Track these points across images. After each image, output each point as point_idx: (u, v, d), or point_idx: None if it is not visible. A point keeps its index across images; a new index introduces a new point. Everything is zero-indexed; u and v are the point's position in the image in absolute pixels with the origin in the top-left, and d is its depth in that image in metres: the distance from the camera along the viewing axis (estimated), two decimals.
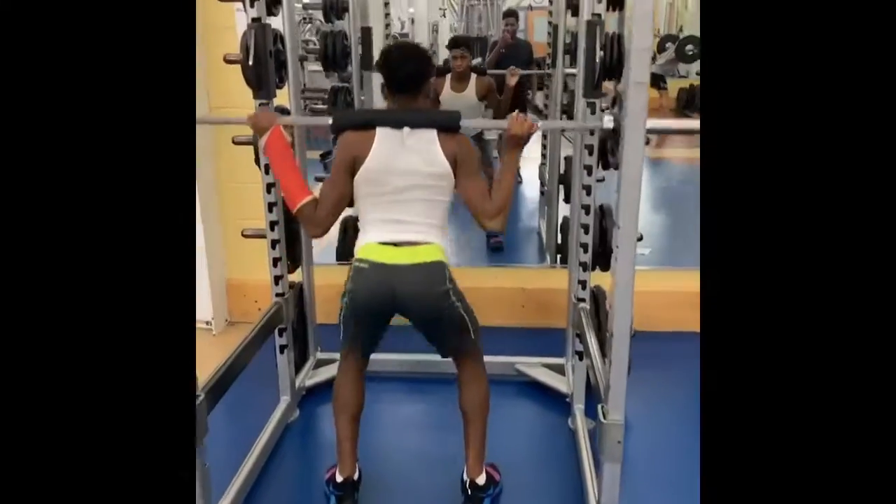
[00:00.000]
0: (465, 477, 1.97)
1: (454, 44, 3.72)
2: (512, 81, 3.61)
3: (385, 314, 1.82)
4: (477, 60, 5.77)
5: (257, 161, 2.23)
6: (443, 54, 6.89)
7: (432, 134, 1.76)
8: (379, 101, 3.94)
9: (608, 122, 1.75)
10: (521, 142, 1.77)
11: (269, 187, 2.23)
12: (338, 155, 1.79)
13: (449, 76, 3.68)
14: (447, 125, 1.78)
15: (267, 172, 2.22)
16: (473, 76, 3.67)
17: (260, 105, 2.10)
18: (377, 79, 3.65)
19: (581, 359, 2.31)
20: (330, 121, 1.83)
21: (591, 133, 2.10)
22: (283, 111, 2.21)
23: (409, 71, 1.78)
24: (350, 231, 2.42)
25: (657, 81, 6.75)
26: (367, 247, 1.77)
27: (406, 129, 1.74)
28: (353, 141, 1.77)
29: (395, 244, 1.76)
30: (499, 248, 3.73)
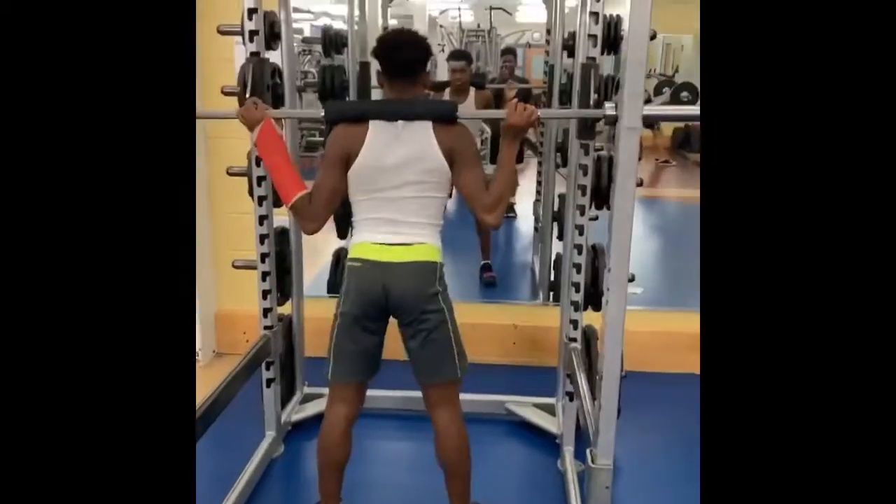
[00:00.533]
0: None
1: (455, 56, 3.71)
2: (511, 94, 3.62)
3: (380, 315, 1.76)
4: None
5: (251, 192, 2.23)
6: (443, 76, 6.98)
7: (428, 126, 1.70)
8: None
9: (609, 108, 1.63)
10: (520, 132, 1.70)
11: (262, 219, 2.23)
12: (329, 149, 1.74)
13: (448, 90, 3.67)
14: (443, 116, 1.72)
15: (260, 204, 2.22)
16: (472, 90, 3.67)
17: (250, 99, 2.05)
18: None
19: (571, 399, 2.29)
20: (322, 113, 1.77)
21: (584, 174, 2.11)
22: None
23: (405, 56, 1.73)
24: (343, 262, 2.41)
25: (651, 123, 6.83)
26: (361, 246, 1.74)
27: (400, 123, 1.69)
28: (345, 135, 1.73)
29: (389, 244, 1.73)
30: (492, 284, 3.72)
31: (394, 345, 1.84)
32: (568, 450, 2.34)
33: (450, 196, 1.83)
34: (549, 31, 3.63)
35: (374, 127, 1.71)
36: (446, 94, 3.69)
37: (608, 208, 2.05)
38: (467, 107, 3.67)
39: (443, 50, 7.28)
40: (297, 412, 2.59)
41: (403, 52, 1.73)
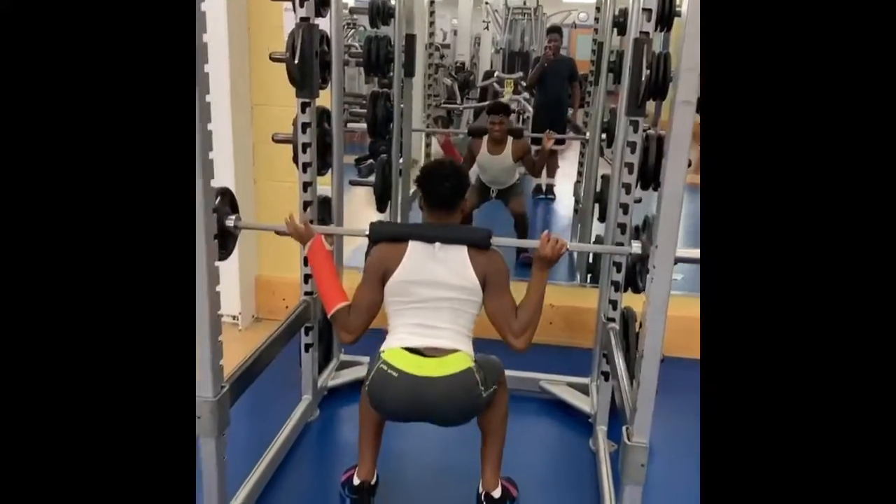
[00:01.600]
0: (480, 489, 1.95)
1: (494, 110, 3.81)
2: (548, 145, 3.68)
3: (412, 419, 1.81)
4: (518, 74, 5.78)
5: (295, 159, 2.25)
6: (484, 65, 6.93)
7: (463, 249, 1.80)
8: (418, 110, 3.96)
9: (637, 248, 1.85)
10: (550, 263, 1.81)
11: (306, 186, 2.25)
12: (370, 264, 1.84)
13: (486, 137, 3.75)
14: (478, 243, 1.82)
15: (304, 171, 2.24)
16: (510, 139, 3.73)
17: (302, 218, 2.08)
18: (417, 85, 3.69)
19: (607, 379, 2.27)
20: (367, 232, 1.89)
21: (632, 151, 2.07)
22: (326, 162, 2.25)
23: (446, 190, 1.83)
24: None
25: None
26: (394, 352, 1.78)
27: (438, 244, 1.79)
28: (386, 253, 1.82)
29: (423, 354, 1.76)
30: (529, 264, 3.70)
31: None
32: (601, 429, 2.33)
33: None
34: (598, 9, 3.57)
35: (413, 246, 1.80)
36: (484, 142, 3.74)
37: (654, 188, 2.02)
38: (505, 157, 3.73)
39: (487, 28, 7.21)
40: (334, 378, 2.62)
41: (445, 184, 1.83)
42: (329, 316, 1.85)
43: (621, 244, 2.16)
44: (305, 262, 2.31)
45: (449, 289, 1.79)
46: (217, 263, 1.65)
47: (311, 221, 2.28)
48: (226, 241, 1.80)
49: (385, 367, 1.75)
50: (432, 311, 1.79)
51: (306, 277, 2.34)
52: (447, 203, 1.84)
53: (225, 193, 1.80)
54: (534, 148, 3.94)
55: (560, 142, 4.41)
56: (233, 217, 1.82)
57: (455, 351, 1.77)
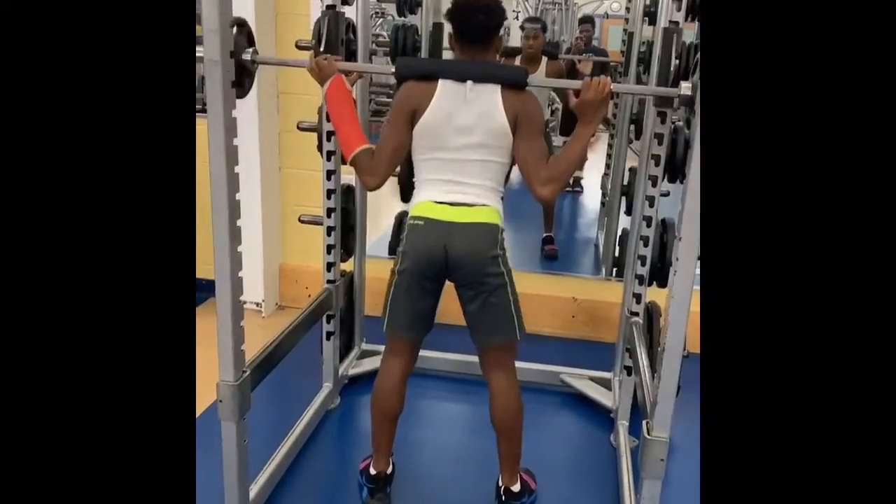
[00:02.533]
0: (499, 483, 1.94)
1: (530, 21, 3.59)
2: (586, 69, 3.48)
3: (438, 275, 1.75)
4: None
5: (320, 148, 2.25)
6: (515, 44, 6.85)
7: (496, 89, 1.68)
8: None
9: (686, 88, 1.61)
10: (597, 109, 1.64)
11: (329, 174, 2.25)
12: (396, 104, 1.74)
13: (519, 57, 3.56)
14: (513, 80, 1.69)
15: (328, 159, 2.24)
16: (545, 59, 3.55)
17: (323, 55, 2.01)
18: None
19: (629, 374, 2.25)
20: (393, 69, 1.76)
21: (659, 143, 2.04)
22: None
23: (480, 21, 1.70)
24: (405, 224, 2.42)
25: None
26: (423, 204, 1.73)
27: (469, 83, 1.67)
28: (414, 92, 1.72)
29: (451, 204, 1.71)
30: (553, 257, 3.68)
31: (452, 308, 1.83)
32: (622, 424, 2.31)
33: (513, 164, 1.79)
34: None
35: (444, 85, 1.69)
36: (517, 62, 3.61)
37: (681, 181, 1.98)
38: (538, 76, 3.58)
39: (517, 17, 7.15)
40: (354, 367, 2.63)
41: (478, 16, 1.70)
42: (349, 160, 1.74)
43: (646, 238, 2.13)
44: (329, 250, 2.32)
45: (479, 134, 1.69)
46: (239, 249, 1.65)
47: (332, 210, 2.28)
48: (242, 79, 1.65)
49: (413, 221, 1.72)
50: (461, 164, 1.71)
51: (329, 266, 2.34)
52: (480, 37, 1.71)
53: (241, 24, 1.62)
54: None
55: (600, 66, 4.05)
56: (249, 50, 1.65)
57: (484, 205, 1.72)
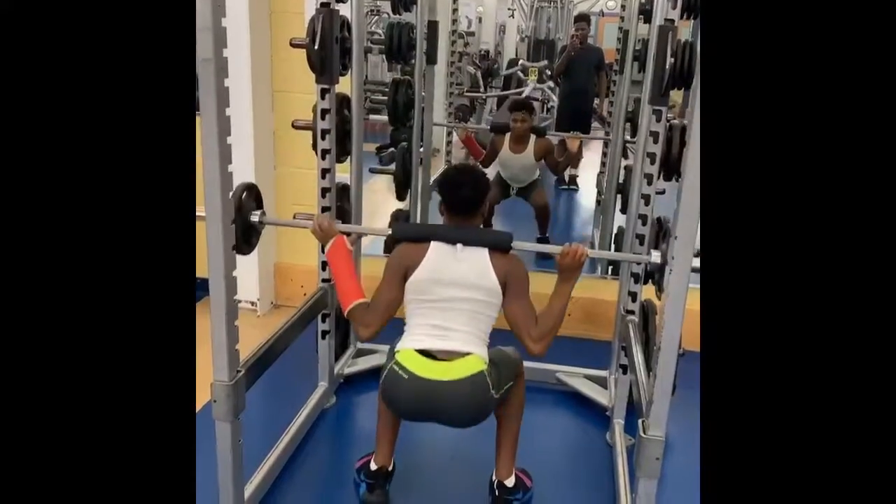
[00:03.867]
0: (493, 478, 1.95)
1: (516, 106, 3.73)
2: (574, 146, 3.59)
3: (423, 419, 1.82)
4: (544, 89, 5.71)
5: (314, 146, 2.25)
6: (508, 53, 6.86)
7: (484, 252, 1.79)
8: (440, 98, 3.94)
9: (656, 257, 1.81)
10: (572, 272, 1.78)
11: (324, 173, 2.24)
12: (391, 263, 1.84)
13: (508, 135, 3.68)
14: (499, 245, 1.81)
15: (323, 158, 2.23)
16: (533, 137, 3.67)
17: (323, 211, 2.21)
18: (440, 73, 3.66)
19: (625, 372, 2.25)
20: (389, 231, 1.89)
21: (655, 141, 2.04)
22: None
23: (466, 195, 1.83)
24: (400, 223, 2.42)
25: None
26: (406, 353, 1.77)
27: (459, 245, 1.79)
28: (408, 252, 1.82)
29: (434, 357, 1.75)
30: (548, 255, 3.68)
31: None
32: (618, 423, 2.31)
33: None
34: None
35: (435, 246, 1.81)
36: (506, 140, 3.69)
37: (677, 179, 1.98)
38: (526, 155, 3.67)
39: (512, 16, 7.14)
40: (350, 366, 2.62)
41: (464, 190, 1.83)
42: (346, 312, 1.85)
43: (642, 236, 2.12)
44: (323, 249, 2.31)
45: (469, 289, 1.78)
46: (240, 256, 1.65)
47: (329, 209, 2.28)
48: (250, 237, 1.81)
49: (396, 368, 1.76)
50: (449, 313, 1.79)
51: (324, 265, 2.33)
52: (467, 209, 1.85)
53: (250, 189, 1.81)
54: (556, 137, 3.90)
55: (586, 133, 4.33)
56: (258, 213, 1.82)
57: (468, 354, 1.75)
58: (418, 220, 3.06)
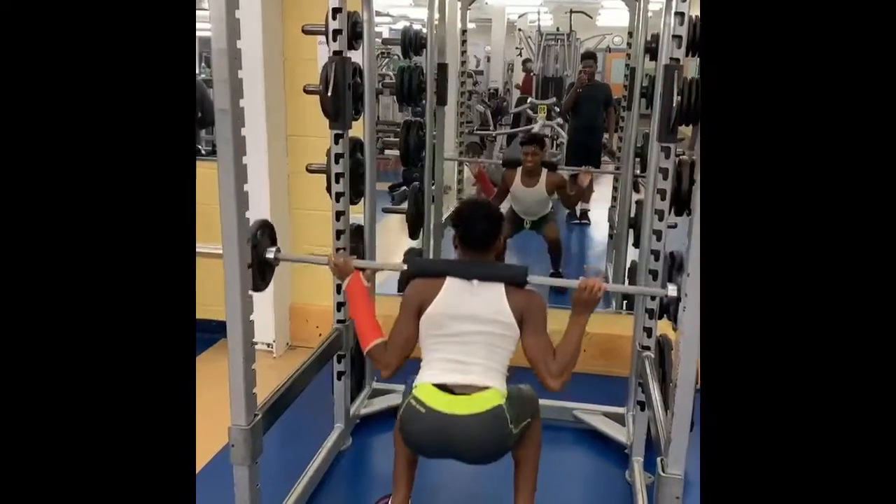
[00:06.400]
0: None
1: (527, 141, 3.81)
2: (585, 181, 3.65)
3: (440, 456, 1.81)
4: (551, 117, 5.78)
5: (329, 189, 2.28)
6: (517, 92, 6.94)
7: (500, 287, 1.79)
8: (450, 137, 3.99)
9: (672, 290, 1.80)
10: (587, 307, 1.77)
11: (339, 215, 2.27)
12: (407, 299, 1.84)
13: (520, 169, 3.74)
14: (515, 280, 1.81)
15: (337, 200, 2.27)
16: (544, 171, 3.73)
17: (337, 251, 2.24)
18: (450, 113, 3.72)
19: (643, 409, 2.23)
20: (405, 267, 1.91)
21: (664, 178, 2.05)
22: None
23: (481, 230, 1.83)
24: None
25: None
26: (424, 388, 1.76)
27: (475, 281, 1.78)
28: (422, 288, 1.82)
29: (452, 391, 1.74)
30: (562, 290, 3.68)
31: None
32: (637, 460, 2.28)
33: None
34: (630, 34, 3.57)
35: (450, 281, 1.80)
36: (518, 174, 3.75)
37: (688, 214, 1.99)
38: (538, 189, 3.73)
39: (520, 54, 7.26)
40: (366, 406, 2.62)
41: (480, 224, 1.83)
42: (365, 352, 1.86)
43: (655, 272, 2.13)
44: (339, 289, 2.34)
45: (485, 323, 1.77)
46: (251, 293, 1.67)
47: (344, 249, 2.31)
48: (265, 273, 1.83)
49: (414, 403, 1.75)
50: (466, 346, 1.77)
51: (339, 305, 2.35)
52: (482, 244, 1.84)
53: (265, 226, 1.83)
54: (567, 172, 3.93)
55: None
56: (272, 249, 1.85)
57: (486, 388, 1.74)
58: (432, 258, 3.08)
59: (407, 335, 1.82)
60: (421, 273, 1.87)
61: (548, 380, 1.76)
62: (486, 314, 1.77)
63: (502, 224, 1.90)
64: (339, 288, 2.33)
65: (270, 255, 1.84)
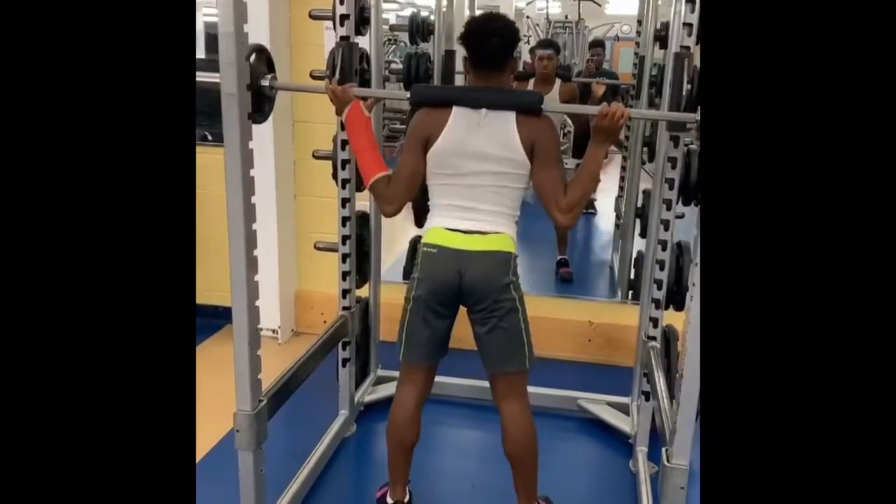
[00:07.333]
0: None
1: (542, 45, 3.62)
2: (599, 91, 3.51)
3: (453, 300, 1.75)
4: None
5: (335, 175, 2.27)
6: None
7: (511, 116, 1.67)
8: None
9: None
10: (608, 135, 1.66)
11: (344, 202, 2.27)
12: (411, 131, 1.74)
13: (532, 79, 3.59)
14: (528, 107, 1.68)
15: (343, 187, 2.26)
16: (558, 81, 3.58)
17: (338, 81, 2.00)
18: None
19: (648, 399, 2.22)
20: (408, 94, 1.77)
21: (673, 167, 2.04)
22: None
23: (494, 44, 1.68)
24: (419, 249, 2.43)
25: None
26: (436, 231, 1.73)
27: (483, 111, 1.67)
28: (427, 119, 1.72)
29: (465, 232, 1.71)
30: (567, 280, 3.67)
31: (467, 334, 1.83)
32: (641, 450, 2.28)
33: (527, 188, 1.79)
34: (640, 22, 3.53)
35: (457, 112, 1.69)
36: (530, 84, 3.64)
37: (696, 204, 1.97)
38: (551, 98, 3.60)
39: (528, 42, 7.20)
40: (370, 393, 2.63)
41: (492, 39, 1.69)
42: (367, 187, 1.77)
43: (662, 262, 2.12)
44: (344, 276, 2.34)
45: (493, 161, 1.68)
46: (257, 279, 1.66)
47: (347, 237, 2.30)
48: (262, 104, 1.67)
49: (427, 248, 1.72)
50: (474, 190, 1.70)
51: (344, 292, 2.35)
52: (495, 61, 1.70)
53: (261, 51, 1.64)
54: (574, 162, 3.88)
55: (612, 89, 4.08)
56: (268, 76, 1.66)
57: (497, 233, 1.71)
58: None
59: (413, 168, 1.73)
60: (426, 101, 1.75)
61: (558, 215, 1.69)
62: (495, 151, 1.67)
63: (517, 39, 1.73)
64: (344, 275, 2.33)
65: (266, 82, 1.65)
